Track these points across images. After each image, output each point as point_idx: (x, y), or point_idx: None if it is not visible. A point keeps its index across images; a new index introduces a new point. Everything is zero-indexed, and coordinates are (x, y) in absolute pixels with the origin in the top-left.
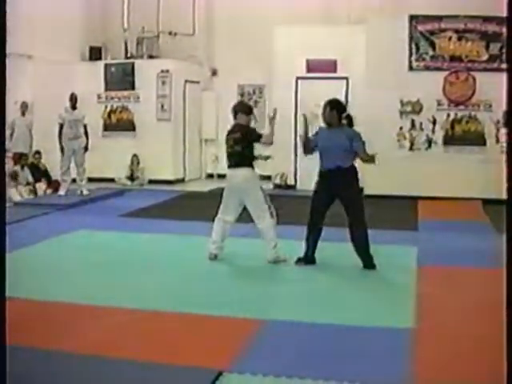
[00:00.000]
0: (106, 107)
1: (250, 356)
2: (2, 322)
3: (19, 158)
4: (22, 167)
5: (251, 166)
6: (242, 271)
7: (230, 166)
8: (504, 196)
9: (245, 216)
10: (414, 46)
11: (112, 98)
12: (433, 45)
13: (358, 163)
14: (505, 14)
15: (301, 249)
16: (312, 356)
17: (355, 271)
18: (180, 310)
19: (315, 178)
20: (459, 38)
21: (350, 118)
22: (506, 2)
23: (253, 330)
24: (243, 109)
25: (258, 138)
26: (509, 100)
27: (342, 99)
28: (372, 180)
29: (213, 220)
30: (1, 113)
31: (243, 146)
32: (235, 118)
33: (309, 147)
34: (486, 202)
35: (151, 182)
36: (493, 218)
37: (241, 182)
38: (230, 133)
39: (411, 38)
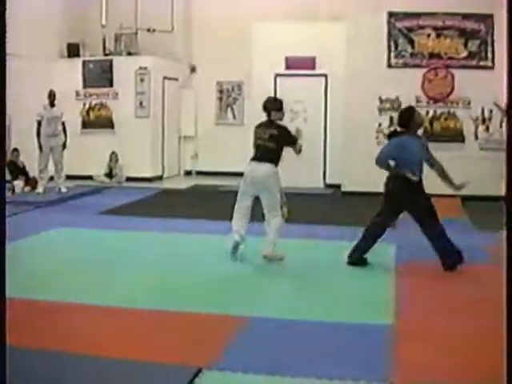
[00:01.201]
0: (84, 104)
1: (231, 353)
2: (1, 323)
3: None
4: None
5: (276, 162)
6: (224, 268)
7: (254, 159)
8: (484, 193)
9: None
10: (392, 43)
11: (90, 95)
12: (411, 42)
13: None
14: (505, 14)
15: (283, 247)
16: (292, 353)
17: (335, 269)
18: (160, 307)
19: (293, 175)
20: (438, 35)
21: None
22: (506, 2)
23: (234, 327)
24: (275, 106)
25: (294, 142)
26: (509, 100)
27: (321, 96)
28: (351, 177)
29: (191, 217)
30: (1, 112)
31: (277, 144)
32: (269, 115)
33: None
34: (465, 198)
35: (129, 179)
36: (472, 215)
37: (262, 176)
38: (262, 126)
39: (390, 35)
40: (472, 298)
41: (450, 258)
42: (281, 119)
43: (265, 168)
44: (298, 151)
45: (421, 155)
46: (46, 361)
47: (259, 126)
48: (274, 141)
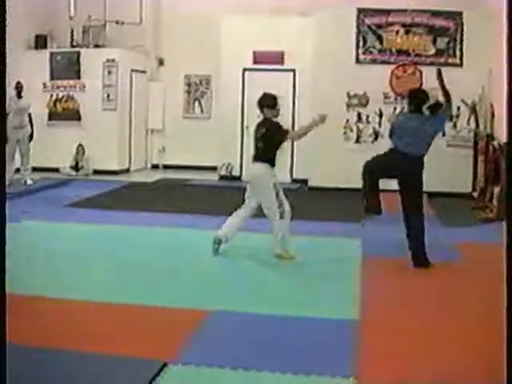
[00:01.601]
0: (51, 96)
1: (196, 347)
2: (2, 321)
3: None
4: None
5: (268, 161)
6: (190, 262)
7: (252, 159)
8: (451, 189)
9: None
10: (361, 39)
11: (58, 87)
12: (380, 38)
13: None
14: (504, 14)
15: (252, 240)
16: (257, 347)
17: (301, 263)
18: (125, 300)
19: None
20: (406, 32)
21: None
22: (506, 1)
23: (199, 321)
24: (267, 102)
25: (282, 136)
26: (509, 99)
27: (289, 91)
28: (318, 172)
29: (157, 210)
30: (1, 109)
31: (265, 141)
32: (262, 112)
33: None
34: (432, 195)
35: (96, 172)
36: (438, 211)
37: (253, 175)
38: (258, 125)
39: (359, 32)
40: (438, 293)
41: (424, 255)
42: (275, 116)
43: (256, 167)
44: (295, 139)
45: None
46: None
47: (256, 127)
48: (264, 139)
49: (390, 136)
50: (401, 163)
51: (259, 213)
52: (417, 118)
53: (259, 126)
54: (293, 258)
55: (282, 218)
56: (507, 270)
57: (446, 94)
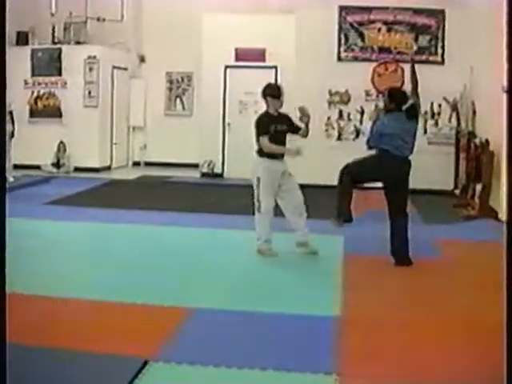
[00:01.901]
0: (32, 93)
1: (177, 344)
2: (2, 320)
3: None
4: None
5: (261, 155)
6: (170, 259)
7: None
8: (432, 187)
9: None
10: (343, 37)
11: (39, 84)
12: (362, 36)
13: None
14: (504, 13)
15: (234, 237)
16: (239, 344)
17: (283, 260)
18: (107, 298)
19: (242, 166)
20: (388, 30)
21: None
22: (506, 2)
23: (181, 319)
24: (271, 92)
25: (261, 132)
26: (509, 99)
27: None
28: (299, 169)
29: (138, 207)
30: (1, 108)
31: (256, 134)
32: (266, 102)
33: None
34: (413, 192)
35: (77, 169)
36: (419, 209)
37: (286, 169)
38: (272, 121)
39: (340, 29)
40: (419, 290)
41: (407, 254)
42: (279, 108)
43: (284, 161)
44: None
45: None
46: None
47: (271, 119)
48: (286, 135)
49: (379, 137)
50: (394, 166)
51: (247, 210)
52: (402, 119)
53: (275, 120)
54: (273, 254)
55: (257, 211)
56: (507, 269)
57: (416, 87)
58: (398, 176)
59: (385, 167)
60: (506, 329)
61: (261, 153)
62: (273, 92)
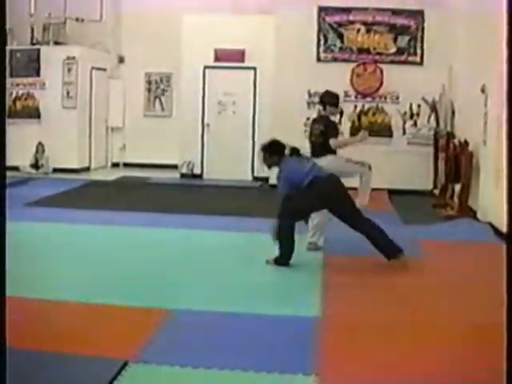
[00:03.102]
0: (10, 94)
1: (157, 346)
2: (1, 324)
3: None
4: None
5: (333, 152)
6: (150, 261)
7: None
8: (411, 187)
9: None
10: (322, 38)
11: (17, 85)
12: (341, 36)
13: None
14: (504, 14)
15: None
16: (219, 345)
17: (262, 261)
18: (86, 299)
19: (222, 167)
20: (368, 31)
21: None
22: (506, 2)
23: (161, 320)
24: (330, 100)
25: (331, 137)
26: (509, 99)
27: (250, 89)
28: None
29: (117, 209)
30: (1, 108)
31: (323, 138)
32: (324, 109)
33: None
34: (392, 192)
35: (56, 170)
36: (398, 209)
37: (334, 167)
38: (313, 122)
39: (320, 30)
40: (400, 290)
41: (392, 244)
42: (334, 115)
43: (329, 159)
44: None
45: None
46: None
47: (312, 121)
48: (322, 136)
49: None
50: (321, 187)
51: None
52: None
53: (315, 122)
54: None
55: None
56: (507, 269)
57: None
58: (336, 195)
59: (315, 191)
60: (506, 329)
61: (333, 151)
62: (333, 101)
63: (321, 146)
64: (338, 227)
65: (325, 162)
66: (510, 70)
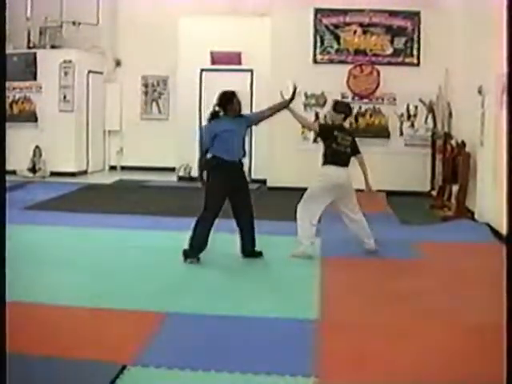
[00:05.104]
0: (7, 98)
1: (155, 349)
2: (2, 328)
3: None
4: None
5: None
6: (147, 264)
7: (334, 163)
8: (409, 188)
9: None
10: (318, 39)
11: (14, 89)
12: (337, 38)
13: None
14: (504, 14)
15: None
16: (216, 348)
17: (260, 263)
18: (83, 304)
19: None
20: (364, 32)
21: None
22: (506, 2)
23: (157, 323)
24: (343, 110)
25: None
26: (509, 99)
27: (247, 91)
28: (275, 172)
29: (115, 212)
30: (1, 108)
31: (351, 149)
32: (345, 119)
33: None
34: (390, 193)
35: (53, 174)
36: (396, 210)
37: (346, 180)
38: (338, 131)
39: (316, 31)
40: (398, 291)
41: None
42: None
43: (347, 173)
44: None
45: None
46: None
47: (336, 129)
48: (351, 147)
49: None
50: (238, 173)
51: (225, 214)
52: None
53: (340, 130)
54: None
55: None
56: (507, 269)
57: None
58: (242, 178)
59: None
60: (506, 329)
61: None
62: (347, 111)
63: (349, 157)
64: (336, 229)
65: (347, 172)
66: (510, 70)
